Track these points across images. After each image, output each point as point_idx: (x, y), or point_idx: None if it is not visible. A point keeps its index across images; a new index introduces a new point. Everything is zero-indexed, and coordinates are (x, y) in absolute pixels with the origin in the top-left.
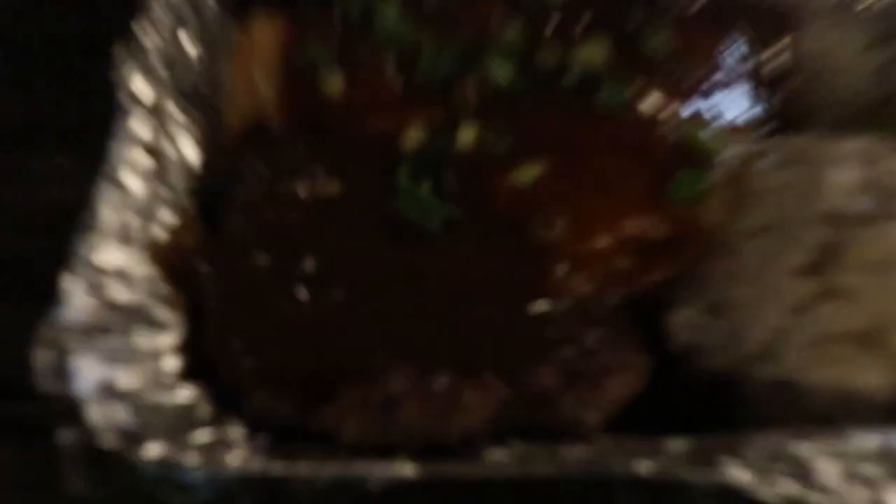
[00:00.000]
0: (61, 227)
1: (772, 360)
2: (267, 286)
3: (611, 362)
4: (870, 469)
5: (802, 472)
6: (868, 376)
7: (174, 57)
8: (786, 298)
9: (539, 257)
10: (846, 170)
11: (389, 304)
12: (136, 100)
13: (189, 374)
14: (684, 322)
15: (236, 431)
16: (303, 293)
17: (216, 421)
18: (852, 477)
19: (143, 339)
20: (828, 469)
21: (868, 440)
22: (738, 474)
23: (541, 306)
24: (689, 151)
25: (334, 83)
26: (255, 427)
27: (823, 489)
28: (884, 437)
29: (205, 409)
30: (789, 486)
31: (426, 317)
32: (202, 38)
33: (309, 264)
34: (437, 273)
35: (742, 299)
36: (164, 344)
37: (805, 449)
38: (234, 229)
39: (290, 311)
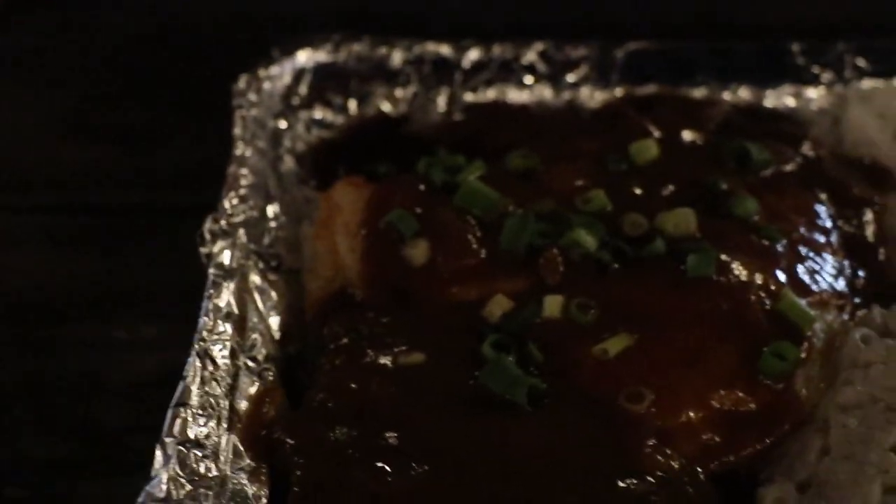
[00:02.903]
0: (147, 397)
1: None
2: (350, 459)
3: None
4: None
5: None
6: None
7: (258, 227)
8: (885, 476)
9: (626, 432)
10: None
11: (473, 478)
12: (222, 270)
13: None
14: (774, 500)
15: None
16: (387, 466)
17: None
18: None
19: None
20: None
21: None
22: None
23: (628, 483)
24: (779, 322)
25: (419, 251)
26: None
27: None
28: None
29: None
30: None
31: (510, 492)
32: (285, 206)
33: (393, 437)
34: (521, 447)
35: (835, 477)
36: None
37: None
38: (316, 400)
39: (374, 484)
